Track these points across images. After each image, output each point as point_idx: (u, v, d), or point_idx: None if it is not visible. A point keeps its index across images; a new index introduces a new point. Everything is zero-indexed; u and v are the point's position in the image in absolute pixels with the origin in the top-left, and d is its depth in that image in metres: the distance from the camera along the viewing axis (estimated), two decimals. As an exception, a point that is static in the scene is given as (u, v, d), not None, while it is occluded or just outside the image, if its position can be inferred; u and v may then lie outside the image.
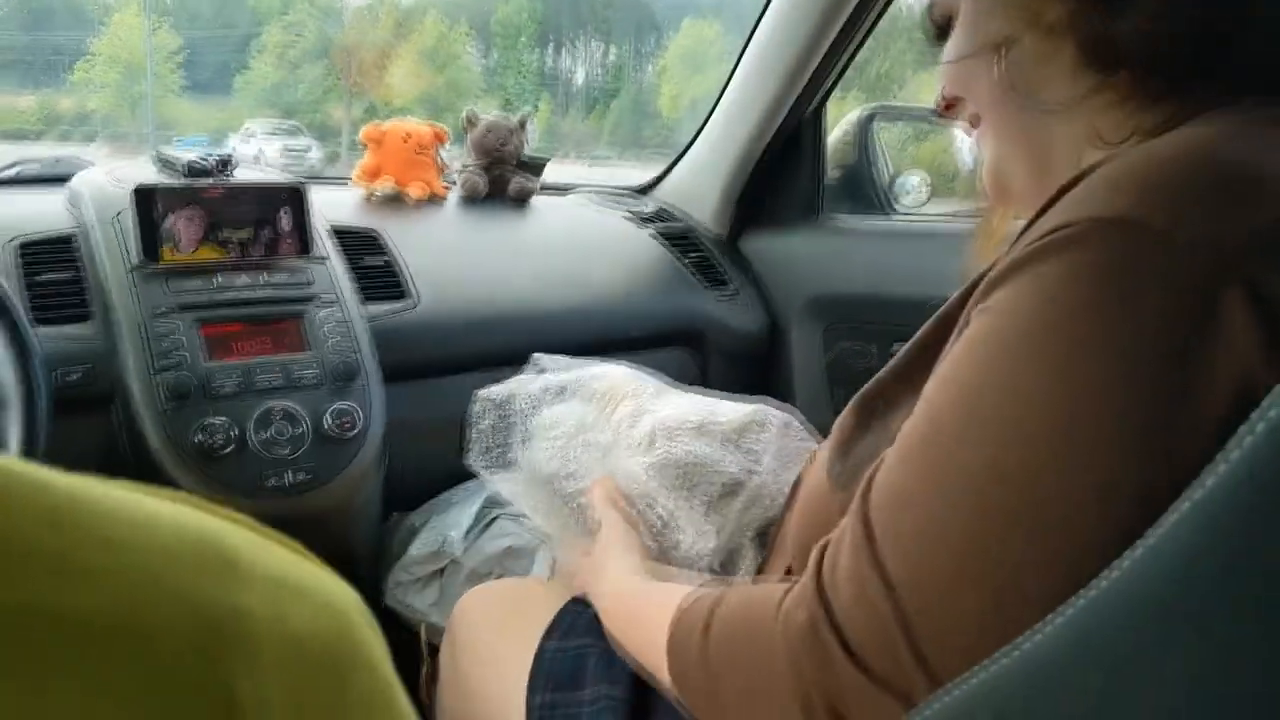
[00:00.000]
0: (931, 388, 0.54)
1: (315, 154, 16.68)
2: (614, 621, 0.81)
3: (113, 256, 1.18)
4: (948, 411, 0.51)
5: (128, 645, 0.21)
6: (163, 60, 21.59)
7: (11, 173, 1.53)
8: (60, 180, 1.42)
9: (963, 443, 0.50)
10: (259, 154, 15.91)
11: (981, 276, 0.59)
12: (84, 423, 1.11)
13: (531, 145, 1.81)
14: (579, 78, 33.78)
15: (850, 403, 0.68)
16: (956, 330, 0.57)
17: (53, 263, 1.19)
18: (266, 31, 25.10)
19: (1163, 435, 0.44)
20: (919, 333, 0.64)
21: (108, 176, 1.31)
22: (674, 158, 2.00)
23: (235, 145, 16.95)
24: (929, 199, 1.90)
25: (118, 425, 1.12)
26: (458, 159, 1.78)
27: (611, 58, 34.89)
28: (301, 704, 0.24)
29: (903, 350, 0.65)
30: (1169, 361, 0.44)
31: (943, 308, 0.63)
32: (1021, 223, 0.61)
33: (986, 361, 0.50)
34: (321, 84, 24.71)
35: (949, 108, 0.68)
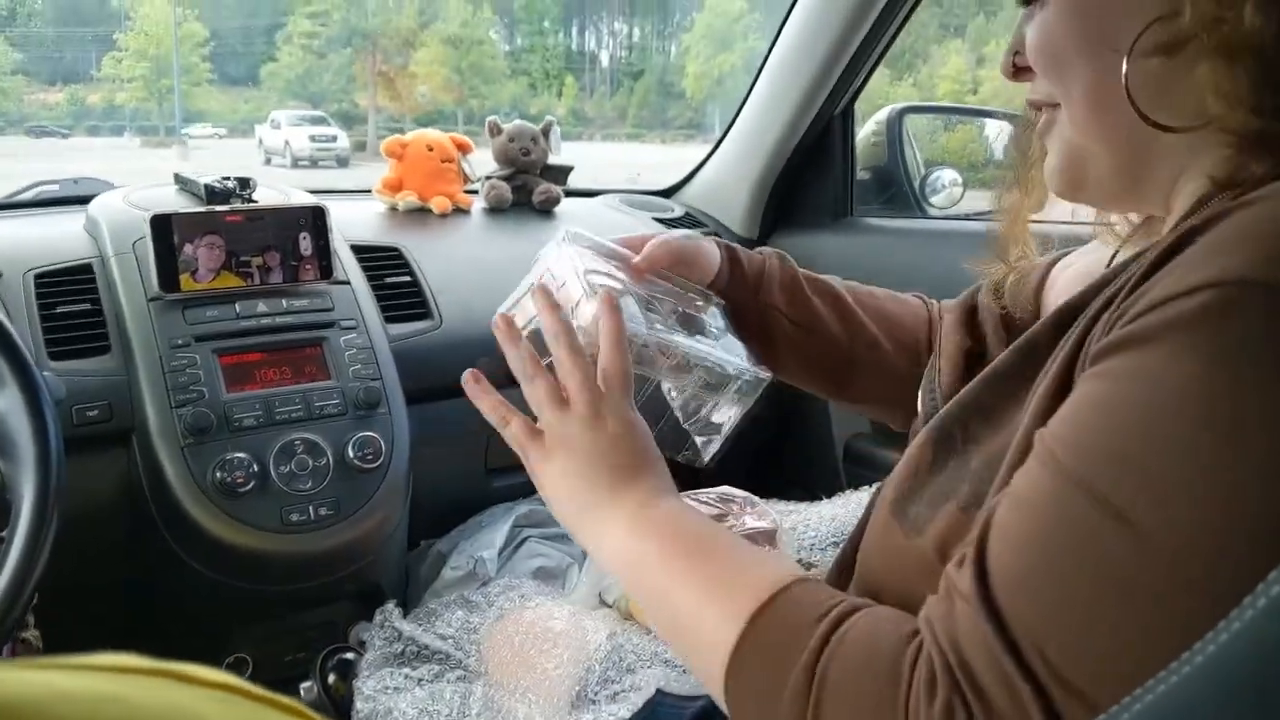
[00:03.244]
0: (1059, 453, 0.48)
1: (342, 142, 16.72)
2: (642, 569, 0.65)
3: (130, 286, 1.16)
4: (1100, 481, 0.45)
5: None
6: (190, 51, 21.69)
7: (31, 195, 1.52)
8: (80, 201, 1.40)
9: (1124, 520, 0.44)
10: (286, 144, 16.01)
11: (1074, 309, 0.54)
12: (103, 460, 1.10)
13: (556, 152, 1.77)
14: (604, 59, 33.65)
15: (921, 436, 0.62)
16: (1051, 368, 0.52)
17: (70, 293, 1.18)
18: (292, 21, 25.17)
19: None
20: (996, 361, 0.59)
21: (125, 201, 1.29)
22: (698, 162, 1.96)
23: (262, 135, 17.07)
24: (962, 197, 1.84)
25: (137, 462, 1.10)
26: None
27: (636, 37, 34.70)
28: None
29: (979, 379, 0.60)
30: None
31: (1026, 335, 0.58)
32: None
33: (1144, 429, 0.45)
34: (346, 72, 24.76)
35: (1019, 72, 0.62)
